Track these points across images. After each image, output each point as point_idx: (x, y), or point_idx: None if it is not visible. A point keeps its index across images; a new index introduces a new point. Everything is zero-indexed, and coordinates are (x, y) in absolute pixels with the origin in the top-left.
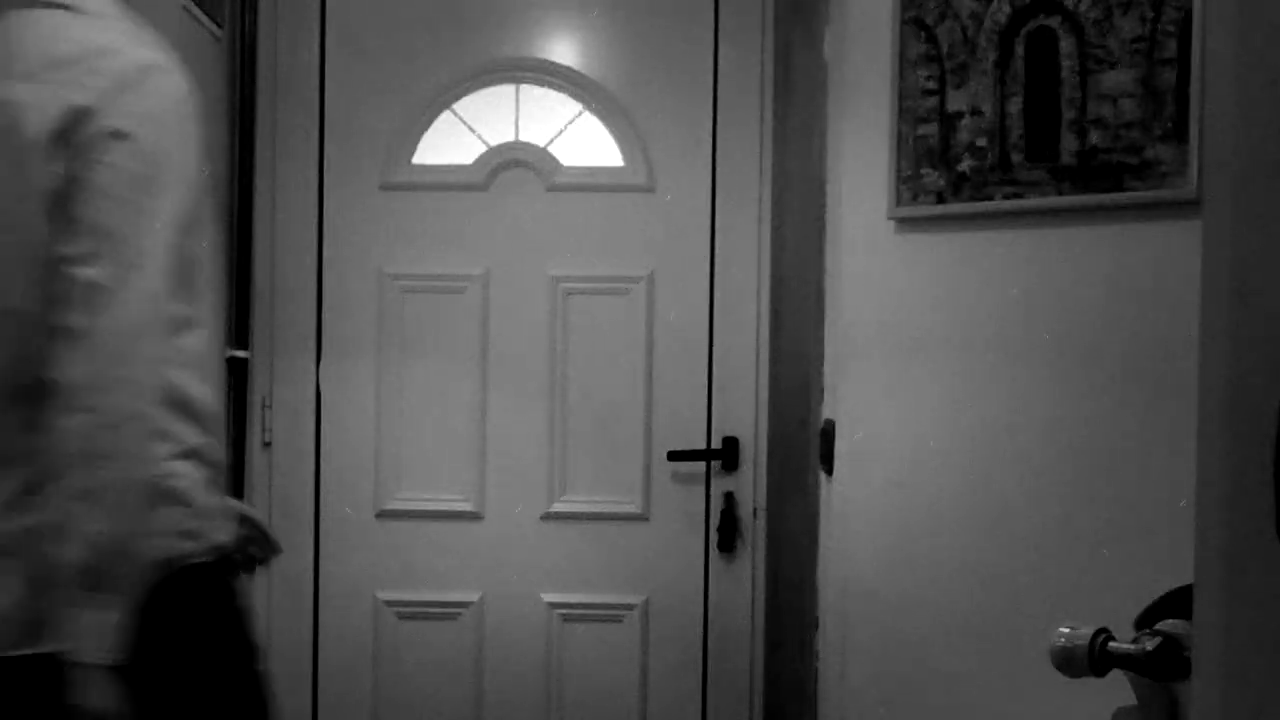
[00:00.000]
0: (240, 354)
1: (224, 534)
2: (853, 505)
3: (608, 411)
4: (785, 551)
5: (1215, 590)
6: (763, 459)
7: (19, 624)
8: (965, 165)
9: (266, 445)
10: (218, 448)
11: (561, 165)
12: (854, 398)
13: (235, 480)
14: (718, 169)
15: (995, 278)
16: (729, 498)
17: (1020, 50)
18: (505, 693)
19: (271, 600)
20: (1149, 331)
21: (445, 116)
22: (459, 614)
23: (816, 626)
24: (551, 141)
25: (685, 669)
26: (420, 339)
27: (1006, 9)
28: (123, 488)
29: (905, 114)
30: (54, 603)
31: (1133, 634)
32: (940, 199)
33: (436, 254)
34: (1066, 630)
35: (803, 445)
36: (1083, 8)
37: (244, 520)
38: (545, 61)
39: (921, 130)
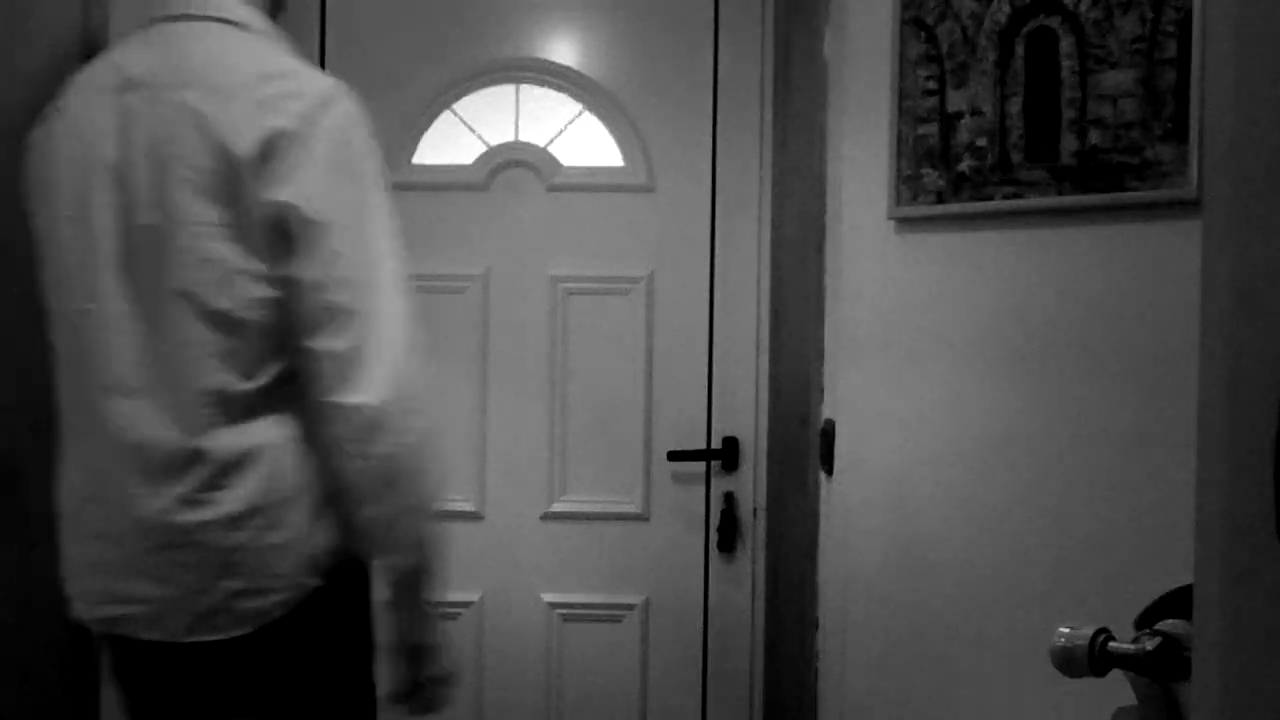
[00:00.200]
0: None
1: None
2: (853, 505)
3: (608, 411)
4: (785, 551)
5: (1215, 590)
6: (763, 459)
7: (191, 613)
8: (965, 165)
9: None
10: None
11: (561, 165)
12: (854, 398)
13: None
14: (718, 169)
15: (995, 278)
16: (729, 498)
17: (1020, 50)
18: (505, 693)
19: None
20: (1149, 331)
21: (445, 116)
22: (459, 614)
23: (816, 626)
24: (551, 141)
25: (685, 669)
26: (420, 339)
27: (1006, 9)
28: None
29: (905, 114)
30: (226, 594)
31: (1133, 634)
32: (940, 199)
33: (436, 254)
34: (1066, 630)
35: (803, 445)
36: (1083, 8)
37: None
38: (545, 61)
39: (921, 130)
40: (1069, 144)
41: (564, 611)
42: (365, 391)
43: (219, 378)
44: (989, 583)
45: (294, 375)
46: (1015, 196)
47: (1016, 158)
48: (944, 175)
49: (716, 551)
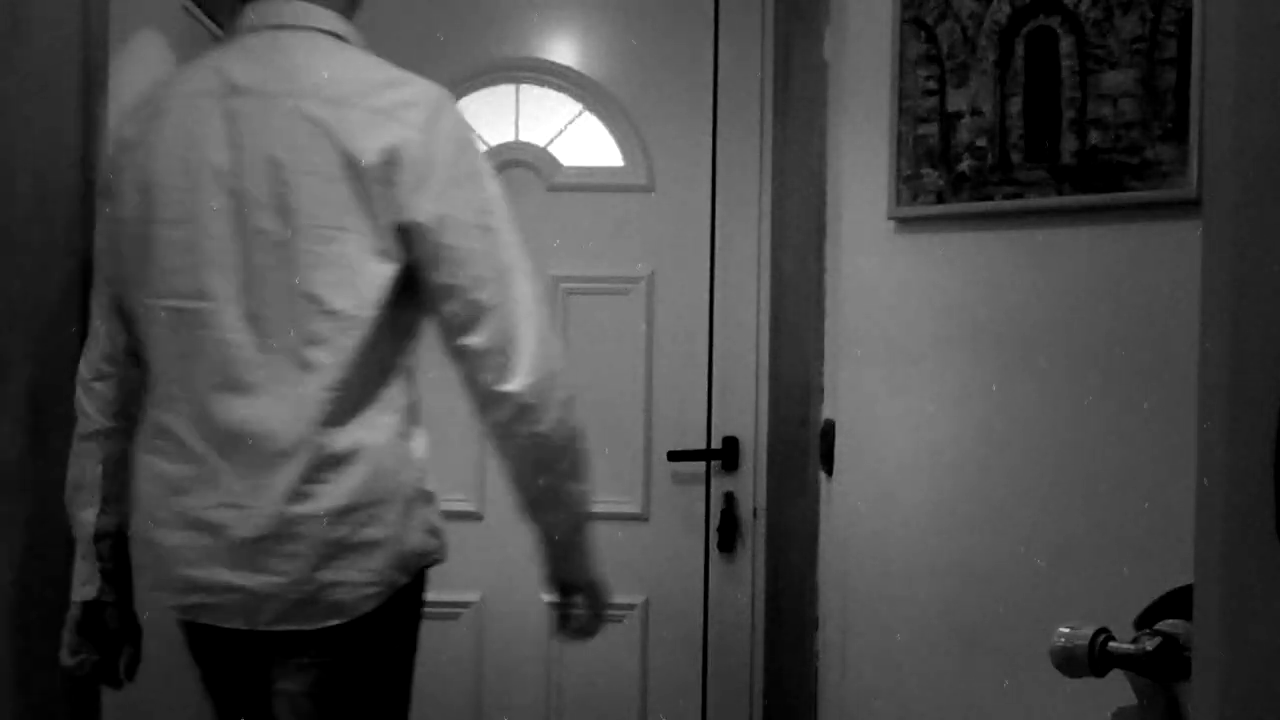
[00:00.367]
0: None
1: None
2: (853, 505)
3: (608, 411)
4: (785, 551)
5: (1215, 590)
6: (763, 459)
7: (285, 603)
8: (965, 165)
9: None
10: None
11: (561, 165)
12: (854, 398)
13: None
14: (718, 169)
15: (995, 278)
16: (729, 498)
17: (1020, 50)
18: (505, 693)
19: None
20: (1149, 331)
21: None
22: (459, 614)
23: (816, 626)
24: (551, 141)
25: (685, 669)
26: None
27: (1006, 9)
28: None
29: (905, 114)
30: (321, 586)
31: (1133, 634)
32: (940, 199)
33: None
34: (1066, 630)
35: (803, 445)
36: (1083, 8)
37: None
38: (545, 61)
39: (921, 130)
40: (1069, 144)
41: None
42: (518, 379)
43: (334, 375)
44: (989, 582)
45: (401, 373)
46: (1015, 196)
47: (1016, 158)
48: (944, 175)
49: (716, 551)
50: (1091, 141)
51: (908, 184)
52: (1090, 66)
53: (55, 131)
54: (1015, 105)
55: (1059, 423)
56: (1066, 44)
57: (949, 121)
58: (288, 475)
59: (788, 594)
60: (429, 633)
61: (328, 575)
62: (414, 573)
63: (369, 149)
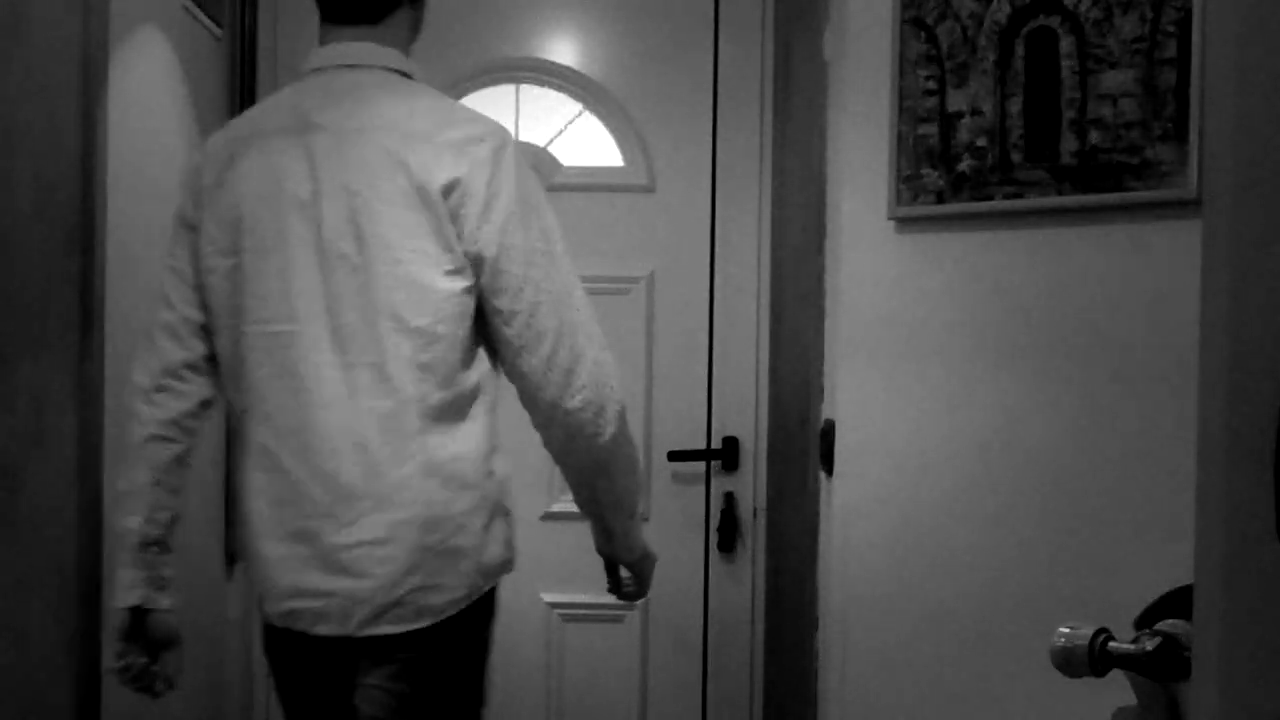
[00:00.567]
0: None
1: None
2: (853, 505)
3: None
4: (785, 551)
5: (1215, 590)
6: (763, 459)
7: (375, 606)
8: (965, 165)
9: None
10: None
11: (561, 165)
12: (854, 398)
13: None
14: (718, 169)
15: (995, 278)
16: (729, 498)
17: (1020, 50)
18: (505, 693)
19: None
20: (1149, 331)
21: None
22: None
23: (816, 626)
24: (551, 141)
25: (685, 669)
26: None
27: (1006, 9)
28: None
29: (905, 114)
30: (410, 590)
31: (1133, 634)
32: (940, 199)
33: None
34: (1066, 630)
35: (803, 445)
36: (1083, 8)
37: None
38: (545, 61)
39: (921, 130)
40: (1069, 144)
41: (564, 611)
42: (577, 397)
43: (419, 389)
44: (989, 582)
45: (482, 390)
46: (1015, 196)
47: (1016, 158)
48: (944, 175)
49: (716, 551)
50: (1091, 141)
51: (908, 184)
52: (1090, 66)
53: (55, 131)
54: (1015, 105)
55: (1059, 422)
56: (1066, 44)
57: (949, 121)
58: (377, 487)
59: (788, 594)
60: None
61: (416, 580)
62: (492, 581)
63: (438, 180)
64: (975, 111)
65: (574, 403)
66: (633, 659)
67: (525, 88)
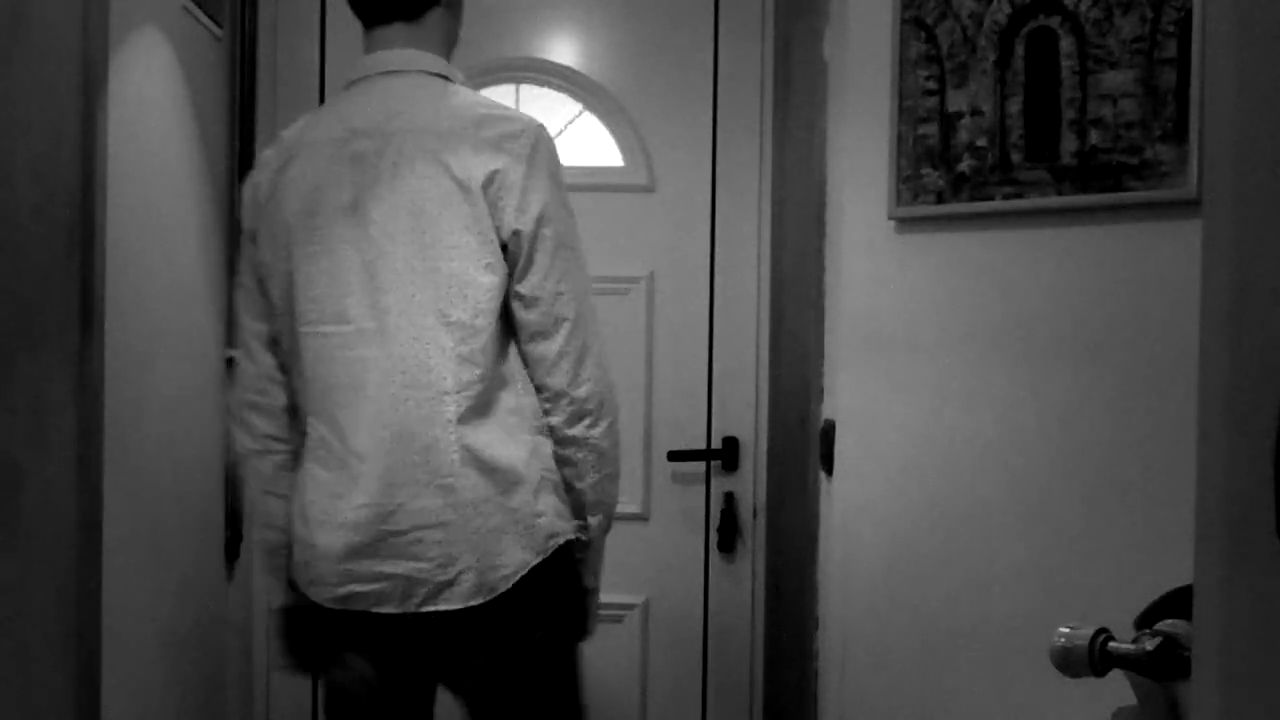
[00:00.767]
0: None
1: None
2: (853, 505)
3: None
4: (785, 551)
5: (1215, 590)
6: (763, 459)
7: (431, 586)
8: (965, 165)
9: None
10: None
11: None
12: (854, 398)
13: (235, 480)
14: (718, 169)
15: (995, 278)
16: (729, 498)
17: (1020, 50)
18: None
19: (273, 598)
20: (1149, 331)
21: None
22: None
23: (816, 626)
24: None
25: (685, 669)
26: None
27: (1006, 9)
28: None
29: (905, 114)
30: (463, 569)
31: (1133, 634)
32: (940, 199)
33: None
34: (1066, 630)
35: (803, 445)
36: (1083, 8)
37: None
38: (545, 61)
39: (921, 130)
40: (1069, 144)
41: None
42: (585, 386)
43: (458, 380)
44: (989, 582)
45: (516, 377)
46: (1015, 196)
47: (1016, 158)
48: (944, 175)
49: (716, 551)
50: (1091, 141)
51: (908, 184)
52: (1090, 66)
53: (55, 131)
54: (1015, 105)
55: (1059, 422)
56: (1066, 44)
57: (949, 121)
58: (425, 474)
59: (788, 594)
60: None
61: (470, 560)
62: (546, 553)
63: (477, 175)
64: (975, 111)
65: (580, 391)
66: (633, 659)
67: (525, 87)
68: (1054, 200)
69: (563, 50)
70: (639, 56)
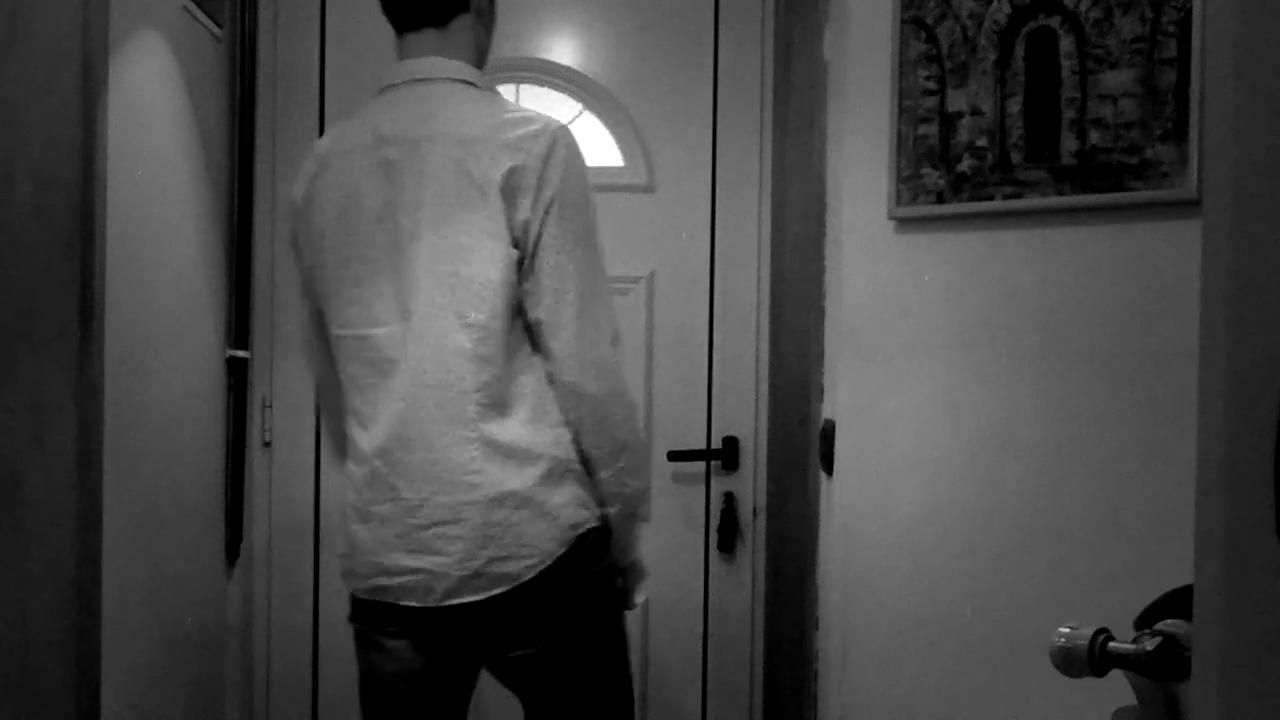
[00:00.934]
0: (240, 354)
1: None
2: (853, 505)
3: None
4: (785, 551)
5: (1215, 590)
6: (763, 459)
7: (455, 578)
8: (965, 165)
9: (266, 445)
10: None
11: None
12: (854, 398)
13: (235, 480)
14: (718, 169)
15: (995, 278)
16: (729, 498)
17: (1020, 50)
18: (505, 692)
19: (272, 598)
20: (1149, 331)
21: None
22: None
23: (816, 626)
24: None
25: (685, 669)
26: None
27: (1006, 9)
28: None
29: (905, 114)
30: (485, 561)
31: (1133, 634)
32: (940, 199)
33: None
34: (1066, 630)
35: (803, 445)
36: (1083, 8)
37: None
38: (545, 61)
39: (921, 130)
40: (1069, 144)
41: None
42: (596, 382)
43: (476, 379)
44: (989, 582)
45: (532, 368)
46: (1015, 196)
47: (1016, 158)
48: (944, 175)
49: (716, 551)
50: (1091, 141)
51: (908, 184)
52: (1090, 66)
53: (55, 132)
54: (1015, 105)
55: (1059, 423)
56: (1066, 44)
57: (949, 121)
58: (447, 471)
59: (788, 594)
60: None
61: (490, 553)
62: (570, 542)
63: (494, 177)
64: (975, 111)
65: (592, 388)
66: (633, 659)
67: (525, 87)
68: (1054, 200)
69: (563, 50)
70: (639, 56)
